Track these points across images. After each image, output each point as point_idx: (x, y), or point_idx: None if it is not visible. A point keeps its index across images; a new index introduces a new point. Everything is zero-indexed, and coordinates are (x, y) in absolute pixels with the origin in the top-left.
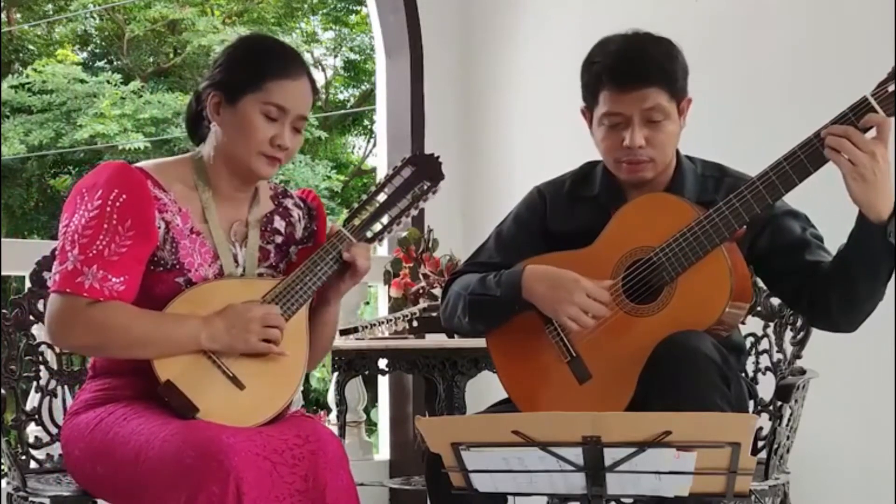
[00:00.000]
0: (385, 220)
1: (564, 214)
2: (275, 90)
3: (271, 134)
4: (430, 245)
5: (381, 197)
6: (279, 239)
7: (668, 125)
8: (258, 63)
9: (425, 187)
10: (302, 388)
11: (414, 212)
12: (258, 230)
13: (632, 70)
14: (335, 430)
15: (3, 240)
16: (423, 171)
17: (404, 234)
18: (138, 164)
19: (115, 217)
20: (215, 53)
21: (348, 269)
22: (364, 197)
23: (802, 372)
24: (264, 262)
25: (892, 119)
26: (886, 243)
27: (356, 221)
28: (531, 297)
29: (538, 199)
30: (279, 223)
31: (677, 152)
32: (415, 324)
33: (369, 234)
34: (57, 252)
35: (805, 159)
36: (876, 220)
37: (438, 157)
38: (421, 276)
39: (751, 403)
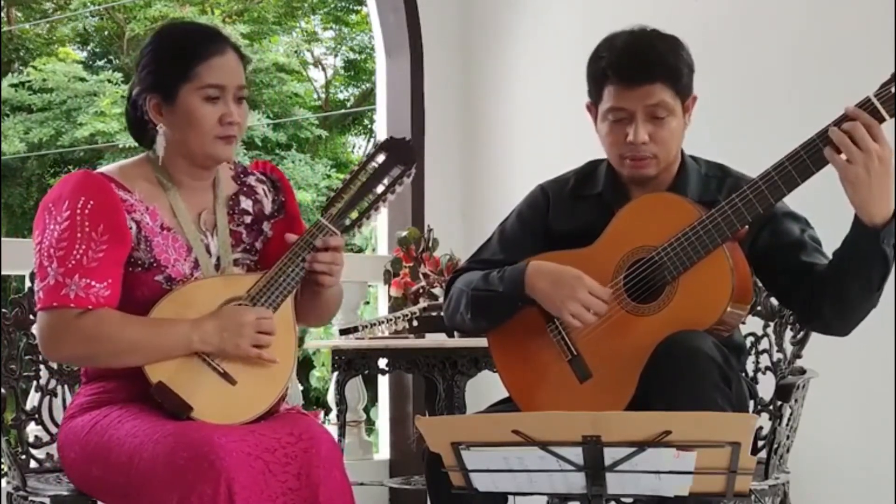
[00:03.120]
0: (362, 207)
1: (567, 213)
2: (205, 72)
3: (218, 115)
4: (430, 244)
5: (357, 184)
6: (248, 219)
7: (671, 122)
8: (181, 52)
9: (399, 172)
10: (301, 387)
11: (391, 197)
12: (225, 214)
13: (637, 66)
14: (335, 429)
15: (3, 239)
16: (396, 156)
17: (404, 233)
18: (100, 170)
19: (87, 224)
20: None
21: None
22: (340, 185)
23: (802, 372)
24: (237, 246)
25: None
26: (879, 249)
27: (333, 210)
28: (534, 294)
29: (541, 197)
30: (245, 203)
31: (682, 152)
32: (415, 323)
33: (347, 222)
34: (35, 270)
35: (807, 159)
36: (869, 223)
37: (410, 141)
38: (421, 276)
39: (751, 403)
